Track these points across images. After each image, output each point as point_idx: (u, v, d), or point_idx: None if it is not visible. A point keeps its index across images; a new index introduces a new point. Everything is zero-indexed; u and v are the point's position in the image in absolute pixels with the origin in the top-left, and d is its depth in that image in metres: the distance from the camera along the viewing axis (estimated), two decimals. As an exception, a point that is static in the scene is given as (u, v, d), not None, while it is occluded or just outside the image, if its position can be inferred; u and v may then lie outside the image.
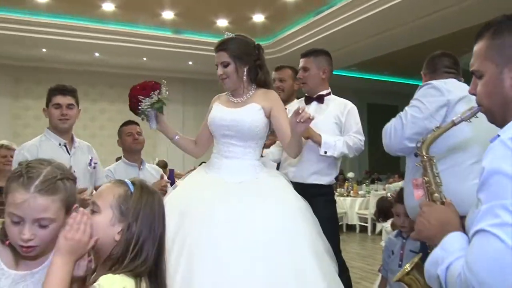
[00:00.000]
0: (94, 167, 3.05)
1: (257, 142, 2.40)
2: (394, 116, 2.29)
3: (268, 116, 2.39)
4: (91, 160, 3.01)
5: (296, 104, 3.28)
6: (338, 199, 9.24)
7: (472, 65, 1.26)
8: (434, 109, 2.15)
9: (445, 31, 8.06)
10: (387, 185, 9.86)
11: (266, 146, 2.68)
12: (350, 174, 11.17)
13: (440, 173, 1.50)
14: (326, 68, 3.16)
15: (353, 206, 9.26)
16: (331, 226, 2.96)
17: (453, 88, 2.20)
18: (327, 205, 3.03)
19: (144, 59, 10.63)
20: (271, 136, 2.64)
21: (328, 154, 2.92)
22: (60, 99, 2.88)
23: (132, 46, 9.37)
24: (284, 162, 3.13)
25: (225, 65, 2.37)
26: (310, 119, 2.06)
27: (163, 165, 7.05)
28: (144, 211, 1.33)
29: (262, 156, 2.62)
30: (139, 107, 2.48)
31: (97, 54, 10.20)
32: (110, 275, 1.21)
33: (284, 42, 9.46)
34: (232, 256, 1.95)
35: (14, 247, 1.31)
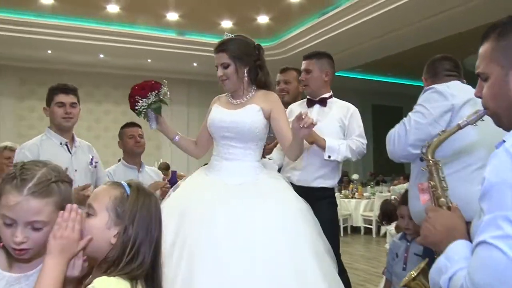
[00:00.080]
0: (95, 166, 3.05)
1: (257, 144, 2.38)
2: (399, 117, 2.27)
3: (268, 117, 2.37)
4: (92, 159, 3.00)
5: (297, 106, 3.27)
6: (343, 201, 9.23)
7: (478, 67, 1.24)
8: (438, 114, 2.11)
9: (451, 32, 8.02)
10: (391, 187, 9.83)
11: (268, 149, 2.66)
12: (355, 176, 11.14)
13: (446, 177, 1.48)
14: (329, 71, 3.15)
15: (358, 208, 9.22)
16: (332, 228, 2.97)
17: (457, 92, 2.16)
18: (329, 207, 3.05)
19: (149, 60, 10.65)
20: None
21: (332, 158, 2.94)
22: (63, 98, 2.88)
23: (137, 47, 9.39)
24: (287, 166, 3.12)
25: (225, 66, 2.35)
26: (313, 124, 2.05)
27: (165, 167, 7.04)
28: (141, 214, 1.30)
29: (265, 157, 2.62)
30: (136, 107, 2.47)
31: (101, 56, 10.23)
32: (105, 278, 1.18)
33: (289, 43, 9.45)
34: (232, 256, 1.94)
35: (7, 249, 1.30)
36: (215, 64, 2.41)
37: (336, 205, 3.21)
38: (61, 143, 2.89)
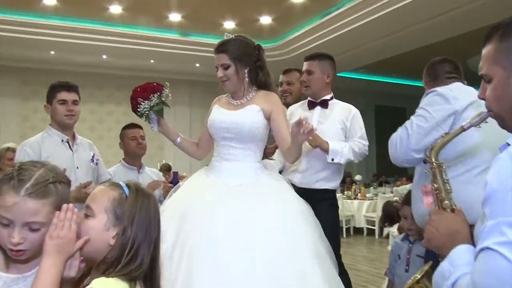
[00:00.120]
0: (96, 164, 3.05)
1: (257, 144, 2.37)
2: (402, 118, 2.26)
3: (268, 118, 2.36)
4: (93, 156, 3.00)
5: (298, 107, 3.26)
6: (346, 202, 9.22)
7: (481, 69, 1.23)
8: (441, 118, 2.08)
9: (454, 33, 8.00)
10: (394, 188, 9.80)
11: (270, 150, 2.66)
12: (358, 177, 11.12)
13: (450, 180, 1.47)
14: (330, 72, 3.15)
15: (361, 209, 9.21)
16: (333, 230, 2.97)
17: (459, 95, 2.13)
18: (331, 209, 3.06)
19: (151, 61, 10.66)
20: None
21: (335, 161, 2.95)
22: (65, 95, 2.88)
23: (139, 48, 9.40)
24: (289, 168, 3.12)
25: (226, 67, 2.34)
26: (313, 130, 2.05)
27: (166, 168, 7.03)
28: (140, 215, 1.29)
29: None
30: (138, 109, 2.46)
31: (104, 56, 10.25)
32: (103, 279, 1.17)
33: (291, 44, 9.44)
34: (232, 257, 1.94)
35: (4, 250, 1.29)
36: (215, 65, 2.40)
37: (337, 207, 3.21)
38: (62, 140, 2.90)
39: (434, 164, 1.45)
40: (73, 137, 2.98)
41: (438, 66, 2.46)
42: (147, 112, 2.47)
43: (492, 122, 1.29)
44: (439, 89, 2.17)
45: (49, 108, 2.92)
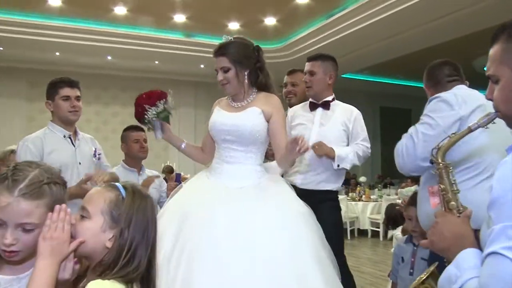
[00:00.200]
0: (99, 158, 3.04)
1: (258, 147, 2.36)
2: (407, 120, 2.24)
3: (268, 120, 2.35)
4: (95, 151, 2.99)
5: (300, 108, 3.25)
6: (350, 204, 9.19)
7: (488, 70, 1.22)
8: (446, 125, 2.04)
9: (458, 34, 7.98)
10: (399, 190, 9.77)
11: (272, 154, 2.65)
12: (362, 178, 11.10)
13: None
14: (333, 74, 3.14)
15: (365, 210, 9.18)
16: (336, 231, 2.95)
17: (464, 100, 2.09)
18: (333, 211, 3.04)
19: (156, 62, 10.68)
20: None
21: (341, 166, 2.94)
22: (69, 92, 2.88)
23: (144, 49, 9.42)
24: (291, 169, 3.10)
25: (226, 70, 2.33)
26: (308, 149, 2.09)
27: (168, 170, 7.03)
28: (137, 217, 1.28)
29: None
30: (145, 116, 2.44)
31: (109, 58, 10.27)
32: (99, 281, 1.16)
33: (296, 45, 9.44)
34: (232, 258, 1.93)
35: None
36: (215, 68, 2.39)
37: (340, 208, 3.18)
38: (64, 136, 2.89)
39: (441, 164, 1.43)
40: (75, 133, 2.98)
41: (437, 70, 2.42)
42: (154, 118, 2.45)
43: (500, 123, 1.27)
44: (443, 95, 2.14)
45: (51, 105, 2.91)
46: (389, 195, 9.88)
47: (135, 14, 8.07)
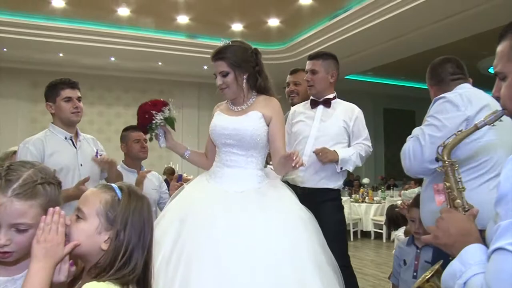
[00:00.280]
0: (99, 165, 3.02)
1: (259, 151, 2.34)
2: (411, 121, 2.22)
3: (268, 124, 2.33)
4: (96, 152, 2.96)
5: (301, 107, 3.24)
6: (353, 205, 9.16)
7: (496, 66, 1.21)
8: (453, 126, 2.00)
9: (463, 35, 7.95)
10: (402, 192, 9.74)
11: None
12: (366, 180, 11.07)
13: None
14: (334, 72, 3.14)
15: (368, 212, 9.15)
16: (339, 231, 2.93)
17: (469, 100, 2.07)
18: (335, 210, 3.03)
19: (159, 63, 10.69)
20: None
21: (344, 169, 2.94)
22: (70, 93, 2.86)
23: (147, 50, 9.44)
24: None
25: (224, 74, 2.31)
26: (303, 165, 2.08)
27: (170, 172, 7.01)
28: (133, 218, 1.26)
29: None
30: (153, 121, 2.42)
31: (112, 59, 10.29)
32: (94, 283, 1.15)
33: (299, 46, 9.43)
34: (232, 262, 1.92)
35: None
36: (214, 73, 2.37)
37: (342, 207, 3.16)
38: (65, 138, 2.88)
39: (447, 162, 1.42)
40: (76, 134, 2.97)
41: (440, 69, 2.38)
42: (162, 124, 2.44)
43: (507, 121, 1.26)
44: (448, 95, 2.11)
45: (52, 107, 2.89)
46: (392, 196, 9.85)
47: (138, 15, 8.08)
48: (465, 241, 1.18)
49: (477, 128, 1.38)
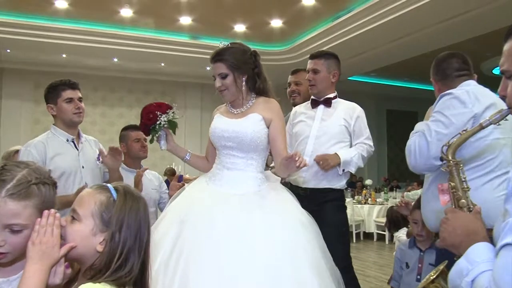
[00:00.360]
0: (102, 162, 3.00)
1: (259, 154, 2.33)
2: (414, 122, 2.19)
3: (269, 126, 2.32)
4: (98, 154, 2.95)
5: (302, 107, 3.23)
6: (356, 207, 9.14)
7: (502, 65, 1.20)
8: (460, 123, 1.97)
9: (466, 36, 7.92)
10: (405, 193, 9.71)
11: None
12: (368, 181, 11.06)
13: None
14: (336, 72, 3.13)
15: (371, 213, 9.13)
16: (341, 232, 2.92)
17: (476, 97, 2.04)
18: (337, 211, 3.01)
19: (162, 64, 10.70)
20: None
21: (346, 171, 2.92)
22: (71, 93, 2.86)
23: (150, 51, 9.44)
24: None
25: (223, 76, 2.30)
26: (306, 165, 2.08)
27: (171, 173, 7.00)
28: (129, 219, 1.25)
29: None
30: (157, 122, 2.42)
31: (115, 60, 10.30)
32: (90, 284, 1.14)
33: (302, 47, 9.41)
34: (231, 264, 1.91)
35: None
36: (212, 74, 2.36)
37: (345, 208, 3.13)
38: (67, 140, 2.87)
39: (451, 162, 1.41)
40: (78, 136, 2.96)
41: (446, 65, 2.34)
42: (166, 125, 2.43)
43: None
44: (455, 92, 2.08)
45: (54, 109, 2.88)
46: (395, 198, 9.83)
47: (141, 16, 8.08)
48: (472, 239, 1.17)
49: (482, 127, 1.36)
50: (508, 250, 0.96)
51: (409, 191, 9.73)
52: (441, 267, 1.41)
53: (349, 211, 5.20)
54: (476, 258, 1.10)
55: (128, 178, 3.19)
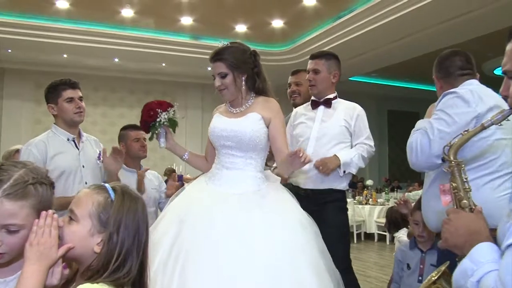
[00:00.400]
0: (103, 161, 3.01)
1: (258, 153, 2.32)
2: (415, 123, 2.17)
3: (268, 125, 2.32)
4: (99, 154, 2.94)
5: (302, 109, 3.22)
6: (357, 207, 9.13)
7: (504, 65, 1.19)
8: (463, 122, 1.96)
9: (467, 37, 7.91)
10: (406, 193, 9.70)
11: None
12: (369, 182, 11.04)
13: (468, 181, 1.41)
14: (337, 72, 3.12)
15: (372, 214, 9.13)
16: (341, 234, 2.90)
17: (479, 97, 2.03)
18: (338, 212, 2.99)
19: (163, 64, 10.70)
20: None
21: (346, 172, 2.90)
22: (72, 93, 2.85)
23: (151, 51, 9.44)
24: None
25: (223, 76, 2.30)
26: (310, 161, 2.09)
27: (170, 173, 6.99)
28: (127, 220, 1.24)
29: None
30: (157, 119, 2.42)
31: (116, 60, 10.30)
32: (88, 285, 1.13)
33: (303, 47, 9.41)
34: (229, 264, 1.90)
35: None
36: (212, 74, 2.36)
37: (346, 210, 3.11)
38: (68, 139, 2.87)
39: (453, 162, 1.40)
40: (79, 135, 2.95)
41: (449, 63, 2.32)
42: (166, 123, 2.43)
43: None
44: (458, 91, 2.07)
45: (54, 108, 2.87)
46: (396, 198, 9.80)
47: (142, 16, 8.08)
48: (475, 239, 1.16)
49: (484, 127, 1.36)
50: None
51: (410, 191, 9.72)
52: (442, 268, 1.40)
53: (350, 212, 5.21)
54: (480, 258, 1.09)
55: (128, 178, 3.18)
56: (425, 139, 2.02)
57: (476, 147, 1.97)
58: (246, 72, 2.32)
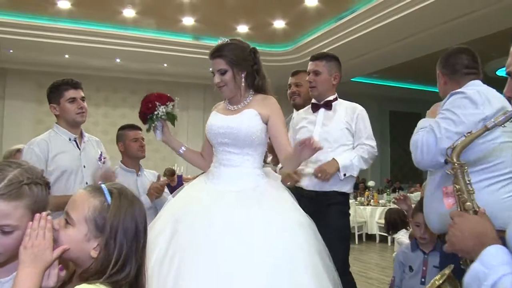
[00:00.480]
0: (104, 162, 2.98)
1: (255, 149, 2.30)
2: (416, 123, 2.15)
3: (266, 122, 2.30)
4: (100, 155, 2.94)
5: (303, 112, 3.20)
6: (358, 208, 9.12)
7: (508, 66, 1.18)
8: (471, 123, 1.93)
9: (470, 37, 7.89)
10: (408, 195, 9.68)
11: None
12: (371, 183, 11.03)
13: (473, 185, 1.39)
14: (337, 74, 3.09)
15: (373, 215, 9.11)
16: (341, 237, 2.88)
17: (487, 99, 2.00)
18: (340, 216, 2.96)
19: (165, 65, 10.71)
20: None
21: (347, 175, 2.87)
22: (74, 93, 2.84)
23: (153, 52, 9.46)
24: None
25: (222, 72, 2.29)
26: (320, 148, 2.04)
27: (170, 173, 7.00)
28: (124, 223, 1.21)
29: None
30: (155, 112, 2.42)
31: (118, 60, 10.31)
32: (85, 285, 1.11)
33: (305, 48, 9.41)
34: (227, 263, 1.89)
35: None
36: (211, 70, 2.35)
37: (348, 213, 3.08)
38: (70, 139, 2.86)
39: (456, 164, 1.38)
40: (81, 136, 2.94)
41: (455, 60, 2.28)
42: (163, 117, 2.43)
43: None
44: (467, 91, 2.04)
45: (57, 108, 2.86)
46: (397, 199, 9.78)
47: (143, 16, 8.09)
48: (483, 242, 1.15)
49: (487, 129, 1.34)
50: None
51: (411, 192, 9.72)
52: (446, 271, 1.39)
53: (351, 213, 5.20)
54: (491, 261, 1.08)
55: (127, 178, 3.18)
56: (432, 137, 1.99)
57: (479, 149, 1.95)
58: (245, 69, 2.31)
